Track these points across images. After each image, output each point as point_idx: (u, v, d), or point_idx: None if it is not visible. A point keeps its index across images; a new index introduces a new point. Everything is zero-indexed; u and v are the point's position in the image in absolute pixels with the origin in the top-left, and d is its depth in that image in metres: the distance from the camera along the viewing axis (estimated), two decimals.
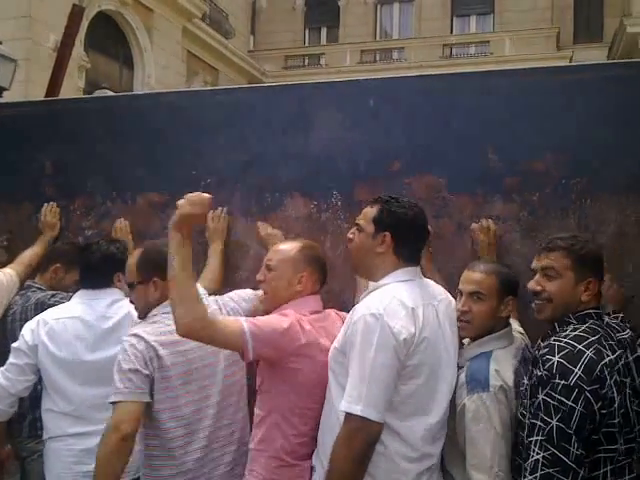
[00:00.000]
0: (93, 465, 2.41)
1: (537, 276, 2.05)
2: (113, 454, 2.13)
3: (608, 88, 2.60)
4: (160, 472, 2.30)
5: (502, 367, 2.09)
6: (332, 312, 2.41)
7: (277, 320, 2.16)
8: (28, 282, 3.10)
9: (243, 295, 2.62)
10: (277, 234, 2.91)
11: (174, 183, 3.14)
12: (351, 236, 2.20)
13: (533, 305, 2.07)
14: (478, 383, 2.05)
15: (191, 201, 2.03)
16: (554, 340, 1.93)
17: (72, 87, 11.71)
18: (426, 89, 2.83)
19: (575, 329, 1.96)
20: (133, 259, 2.41)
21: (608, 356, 1.88)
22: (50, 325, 2.59)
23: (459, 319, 2.20)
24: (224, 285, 2.86)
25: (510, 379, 2.07)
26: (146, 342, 2.24)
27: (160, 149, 3.21)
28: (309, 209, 2.95)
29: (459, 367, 2.19)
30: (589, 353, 1.86)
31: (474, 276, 2.21)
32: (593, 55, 17.91)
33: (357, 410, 1.90)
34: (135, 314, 2.63)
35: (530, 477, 1.81)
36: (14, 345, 2.59)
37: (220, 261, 2.98)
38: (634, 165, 2.55)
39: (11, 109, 3.64)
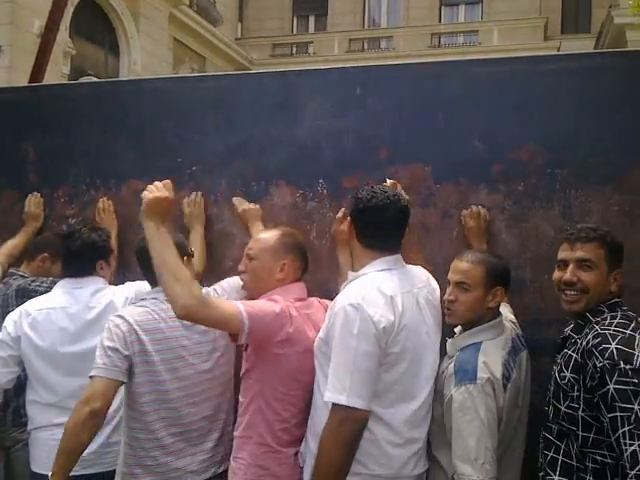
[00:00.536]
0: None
1: (571, 267, 2.01)
2: (80, 426, 2.14)
3: (594, 78, 2.60)
4: (144, 454, 2.31)
5: (490, 359, 2.10)
6: (315, 300, 2.42)
7: (269, 305, 2.17)
8: (11, 270, 3.08)
9: (234, 285, 2.62)
10: (254, 209, 2.91)
11: (159, 171, 3.12)
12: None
13: (563, 296, 2.03)
14: (465, 374, 2.06)
15: (155, 187, 2.07)
16: (602, 329, 1.89)
17: (57, 73, 11.59)
18: (413, 77, 2.82)
19: (613, 317, 1.94)
20: None
21: None
22: (33, 316, 2.56)
23: (446, 307, 2.22)
24: (210, 274, 2.85)
25: (498, 371, 2.08)
26: (129, 325, 2.27)
27: (145, 136, 3.18)
28: (295, 198, 2.94)
29: (449, 357, 2.21)
30: (638, 337, 1.85)
31: (461, 266, 2.21)
32: (581, 45, 17.93)
33: (342, 400, 1.92)
34: (118, 303, 2.63)
35: (635, 471, 1.70)
36: None
37: (202, 244, 2.98)
38: (618, 156, 2.56)
39: None
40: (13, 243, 3.20)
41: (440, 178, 2.75)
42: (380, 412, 2.02)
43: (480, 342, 2.15)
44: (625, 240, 2.23)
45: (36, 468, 2.56)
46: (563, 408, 1.92)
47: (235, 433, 2.28)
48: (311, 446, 2.10)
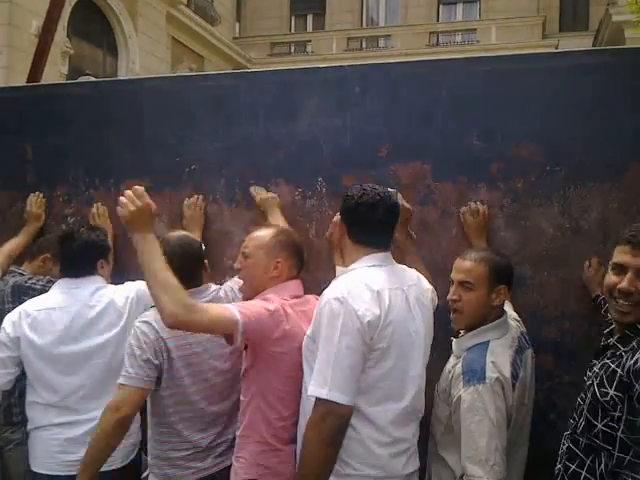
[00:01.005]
0: (77, 455, 2.43)
1: (630, 275, 1.76)
2: (109, 433, 2.18)
3: (592, 75, 2.60)
4: (173, 454, 2.35)
5: (499, 358, 2.08)
6: (312, 297, 2.42)
7: (263, 304, 2.16)
8: (11, 268, 3.07)
9: (236, 288, 2.59)
10: (272, 198, 2.91)
11: (158, 170, 3.13)
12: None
13: (614, 303, 1.81)
14: (474, 375, 2.04)
15: (127, 200, 2.03)
16: None
17: (55, 74, 11.59)
18: (411, 75, 2.82)
19: None
20: None
21: None
22: (33, 316, 2.54)
23: (451, 308, 2.20)
24: (209, 273, 2.84)
25: (507, 370, 2.07)
26: (156, 332, 2.28)
27: (143, 135, 3.17)
28: (294, 196, 2.94)
29: (456, 357, 2.20)
30: None
31: (464, 265, 2.19)
32: (579, 43, 17.97)
33: (324, 394, 1.91)
34: (119, 302, 2.63)
35: None
36: None
37: None
38: (617, 153, 2.56)
39: None
40: (13, 243, 3.19)
41: (439, 176, 2.75)
42: (366, 410, 2.00)
43: (487, 341, 2.13)
44: None
45: (36, 468, 2.54)
46: (600, 425, 1.76)
47: (237, 433, 2.28)
48: (300, 444, 2.09)
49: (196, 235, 2.97)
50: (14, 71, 10.86)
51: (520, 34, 20.58)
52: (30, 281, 2.93)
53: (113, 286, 2.73)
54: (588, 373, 1.90)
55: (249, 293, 2.33)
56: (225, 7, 21.96)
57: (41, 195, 3.29)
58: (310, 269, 2.81)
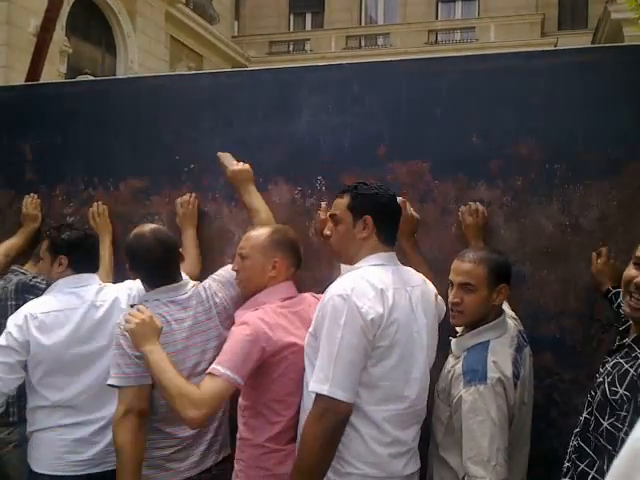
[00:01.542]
0: (85, 454, 2.47)
1: None
2: (135, 434, 2.19)
3: (592, 73, 2.59)
4: (155, 453, 2.34)
5: (500, 358, 2.07)
6: (307, 295, 2.42)
7: (240, 336, 2.12)
8: (14, 267, 3.06)
9: (229, 278, 2.57)
10: (244, 170, 2.78)
11: (157, 169, 3.13)
12: (328, 232, 2.20)
13: (628, 298, 1.79)
14: (475, 375, 2.04)
15: (132, 316, 2.15)
16: None
17: (53, 72, 11.59)
18: (410, 73, 2.81)
19: None
20: None
21: None
22: (40, 319, 2.50)
23: (451, 309, 2.19)
24: (209, 272, 2.83)
25: (508, 370, 2.06)
26: None
27: (142, 134, 3.17)
28: (293, 195, 2.93)
29: (455, 357, 2.19)
30: None
31: (463, 266, 2.17)
32: (578, 41, 17.96)
33: (324, 390, 1.90)
34: (123, 299, 2.63)
35: None
36: (1, 343, 2.46)
37: (195, 245, 2.97)
38: (616, 150, 2.56)
39: None
40: (10, 244, 3.18)
41: (439, 174, 2.75)
42: (369, 410, 1.99)
43: (487, 341, 2.12)
44: (624, 235, 2.24)
45: (39, 469, 2.52)
46: (605, 424, 1.75)
47: (237, 435, 2.28)
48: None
49: (191, 233, 2.99)
50: (13, 70, 10.86)
51: (519, 32, 20.58)
52: (35, 280, 2.92)
53: (113, 284, 2.73)
54: (600, 370, 1.89)
55: (248, 294, 2.35)
56: (224, 6, 21.94)
57: (36, 196, 3.27)
58: (309, 267, 2.81)
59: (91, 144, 3.23)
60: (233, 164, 2.79)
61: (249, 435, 2.21)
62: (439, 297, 2.28)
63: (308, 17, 24.72)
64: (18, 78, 7.89)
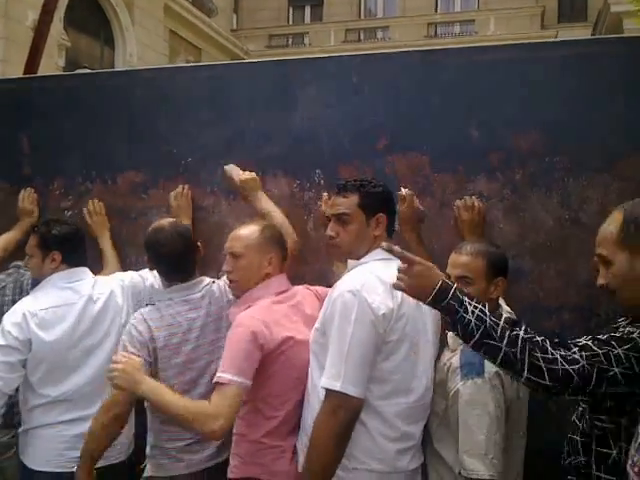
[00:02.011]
0: None
1: None
2: (103, 431, 2.23)
3: (592, 65, 2.57)
4: (169, 445, 2.36)
5: None
6: (301, 288, 2.42)
7: (240, 338, 2.11)
8: (18, 263, 3.03)
9: (224, 288, 2.58)
10: (252, 179, 2.79)
11: (154, 162, 3.11)
12: (333, 234, 2.17)
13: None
14: (472, 368, 2.03)
15: (119, 365, 2.12)
16: None
17: (52, 66, 11.54)
18: (409, 65, 2.79)
19: None
20: None
21: None
22: (40, 316, 2.49)
23: None
24: (207, 266, 2.81)
25: None
26: (151, 332, 2.30)
27: (139, 127, 3.14)
28: (292, 188, 2.91)
29: (451, 350, 2.18)
30: None
31: (461, 259, 2.16)
32: (577, 34, 17.93)
33: (336, 386, 1.90)
34: (117, 292, 2.61)
35: None
36: (0, 342, 2.44)
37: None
38: (616, 142, 2.54)
39: None
40: (8, 237, 3.15)
41: (438, 167, 2.73)
42: (377, 404, 2.00)
43: None
44: None
45: (37, 466, 2.50)
46: (588, 421, 1.80)
47: (234, 430, 2.26)
48: (304, 439, 2.08)
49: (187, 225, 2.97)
50: (11, 64, 10.81)
51: (519, 25, 20.54)
52: None
53: (103, 277, 2.73)
54: None
55: (241, 292, 2.33)
56: None
57: (32, 190, 3.24)
58: (308, 261, 2.80)
59: (88, 137, 3.21)
60: (240, 174, 2.80)
61: (245, 430, 2.20)
62: None
63: (307, 10, 24.66)
64: (16, 72, 7.85)
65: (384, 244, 1.80)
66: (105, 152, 3.19)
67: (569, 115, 2.59)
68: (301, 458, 2.09)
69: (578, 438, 1.83)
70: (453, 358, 2.13)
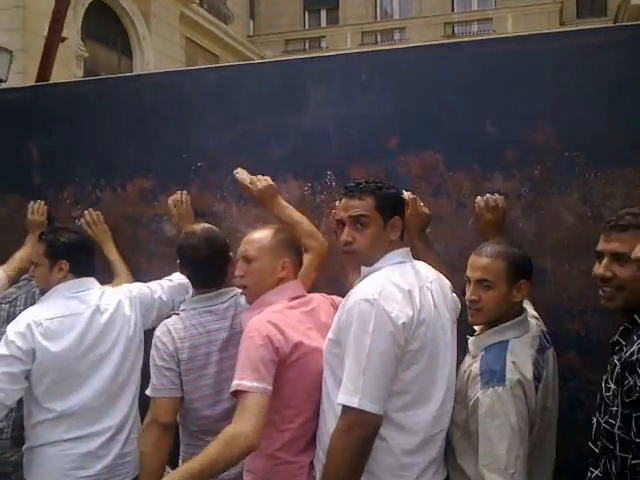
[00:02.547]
0: (93, 469, 2.41)
1: (605, 261, 1.78)
2: (155, 445, 2.24)
3: (612, 55, 2.46)
4: None
5: (520, 359, 1.96)
6: (317, 295, 2.35)
7: (253, 346, 2.02)
8: (26, 275, 2.97)
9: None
10: (269, 186, 2.65)
11: (164, 168, 3.06)
12: (350, 238, 2.03)
13: (601, 292, 1.81)
14: (493, 376, 1.93)
15: None
16: None
17: (70, 77, 11.61)
18: (420, 61, 2.71)
19: None
20: None
21: None
22: (45, 326, 2.42)
23: (469, 307, 2.08)
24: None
25: (529, 371, 1.95)
26: (175, 343, 2.30)
27: (148, 133, 3.10)
28: (303, 191, 2.84)
29: (472, 356, 2.09)
30: None
31: (480, 261, 2.06)
32: None
33: (354, 402, 1.81)
34: (125, 303, 2.56)
35: None
36: (2, 352, 2.35)
37: None
38: (639, 136, 2.43)
39: None
40: (20, 256, 3.06)
41: (452, 166, 2.63)
42: (398, 417, 1.91)
43: (507, 340, 2.01)
44: None
45: None
46: (602, 422, 1.70)
47: None
48: (320, 455, 2.00)
49: None
50: (30, 75, 10.88)
51: (537, 22, 20.30)
52: None
53: (111, 287, 2.68)
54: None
55: (254, 298, 2.26)
56: (239, 5, 21.95)
57: (42, 202, 3.19)
58: (321, 266, 2.72)
59: (97, 145, 3.17)
60: (255, 181, 2.67)
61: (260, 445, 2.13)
62: (456, 298, 2.19)
63: (323, 14, 24.66)
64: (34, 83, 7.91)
65: None
66: (113, 159, 3.15)
67: (588, 107, 2.48)
68: (318, 475, 2.00)
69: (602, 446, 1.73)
70: (474, 365, 2.03)
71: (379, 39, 22.93)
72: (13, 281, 3.00)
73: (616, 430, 1.63)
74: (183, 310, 2.39)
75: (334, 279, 2.64)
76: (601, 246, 1.81)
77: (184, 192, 2.96)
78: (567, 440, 2.17)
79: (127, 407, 2.52)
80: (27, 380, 2.40)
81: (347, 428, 1.82)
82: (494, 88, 2.58)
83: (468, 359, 2.12)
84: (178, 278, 2.73)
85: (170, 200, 2.95)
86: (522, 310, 2.12)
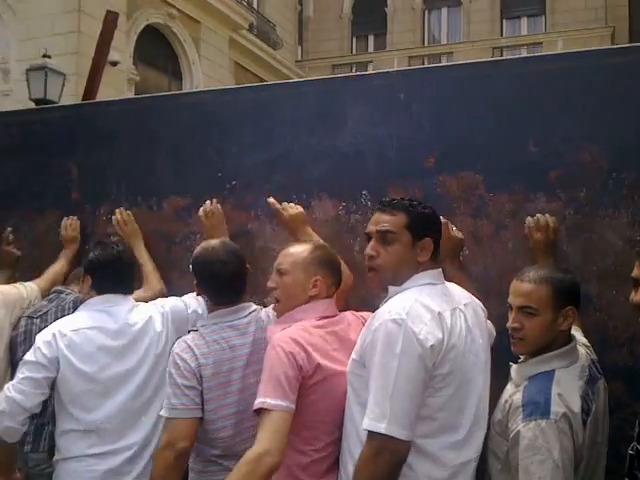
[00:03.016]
0: None
1: None
2: (169, 471, 2.13)
3: None
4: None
5: (566, 390, 1.84)
6: (348, 314, 2.26)
7: (278, 362, 1.96)
8: (59, 288, 3.01)
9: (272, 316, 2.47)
10: (300, 213, 2.67)
11: (199, 187, 3.04)
12: (374, 253, 1.97)
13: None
14: (537, 408, 1.81)
15: None
16: None
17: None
18: (460, 79, 2.64)
19: None
20: None
21: None
22: (69, 337, 2.45)
23: (511, 336, 1.97)
24: (252, 293, 2.69)
25: (576, 404, 1.83)
26: (197, 360, 2.21)
27: (184, 152, 3.10)
28: (337, 210, 2.78)
29: (516, 385, 1.97)
30: None
31: (523, 287, 1.94)
32: None
33: (381, 428, 1.72)
34: (157, 318, 2.52)
35: None
36: (29, 359, 2.42)
37: None
38: None
39: (36, 115, 3.60)
40: (55, 269, 3.13)
41: (493, 187, 2.54)
42: (420, 442, 1.81)
43: (553, 370, 1.90)
44: None
45: None
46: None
47: None
48: (343, 478, 1.91)
49: None
50: (83, 78, 11.16)
51: (588, 46, 19.87)
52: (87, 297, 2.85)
53: (144, 303, 2.65)
54: None
55: (284, 312, 2.19)
56: (287, 31, 22.24)
57: (75, 218, 3.23)
58: (354, 286, 2.64)
59: (133, 162, 3.19)
60: (290, 207, 2.69)
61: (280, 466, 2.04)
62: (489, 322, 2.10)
63: (371, 39, 24.79)
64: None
65: None
66: (149, 176, 3.16)
67: (636, 126, 2.36)
68: None
69: None
70: (516, 395, 1.92)
71: (427, 64, 22.90)
72: (45, 294, 3.03)
73: None
74: (202, 326, 2.33)
75: (367, 299, 2.55)
76: (636, 272, 1.76)
77: (214, 201, 2.91)
78: (610, 475, 2.02)
79: (151, 424, 2.47)
80: (50, 388, 2.43)
81: (373, 455, 1.74)
82: (537, 106, 2.50)
83: (510, 388, 2.00)
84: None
85: (201, 211, 2.89)
86: (570, 338, 2.00)
